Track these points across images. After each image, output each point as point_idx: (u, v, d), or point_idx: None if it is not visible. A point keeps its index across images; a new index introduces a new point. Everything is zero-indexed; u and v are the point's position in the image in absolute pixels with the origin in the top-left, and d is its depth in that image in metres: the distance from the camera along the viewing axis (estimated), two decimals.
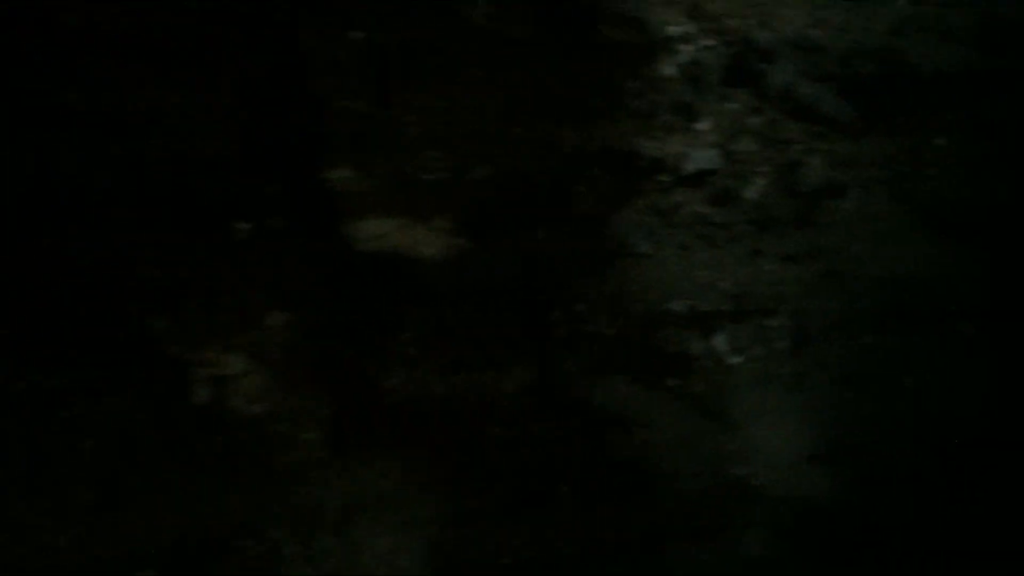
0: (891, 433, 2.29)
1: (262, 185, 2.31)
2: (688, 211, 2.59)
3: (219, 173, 2.37)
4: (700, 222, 2.60)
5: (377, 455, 1.94)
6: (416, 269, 2.35)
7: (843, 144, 2.72)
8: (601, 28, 2.61)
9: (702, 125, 2.63)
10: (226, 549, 1.78)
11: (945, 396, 2.35)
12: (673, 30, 2.73)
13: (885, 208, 2.66)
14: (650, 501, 2.19)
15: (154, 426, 1.95)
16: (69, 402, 1.98)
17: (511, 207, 2.51)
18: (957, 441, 2.27)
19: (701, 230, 2.60)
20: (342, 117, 2.55)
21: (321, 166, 2.43)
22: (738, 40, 2.77)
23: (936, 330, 2.46)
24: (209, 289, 2.21)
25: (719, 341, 2.43)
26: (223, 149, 2.40)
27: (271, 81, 2.46)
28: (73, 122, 2.45)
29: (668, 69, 2.66)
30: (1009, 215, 2.58)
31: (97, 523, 1.79)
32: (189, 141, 2.48)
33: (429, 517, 1.88)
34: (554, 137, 2.56)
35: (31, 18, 2.62)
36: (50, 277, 2.20)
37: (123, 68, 2.58)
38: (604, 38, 2.61)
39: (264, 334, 2.08)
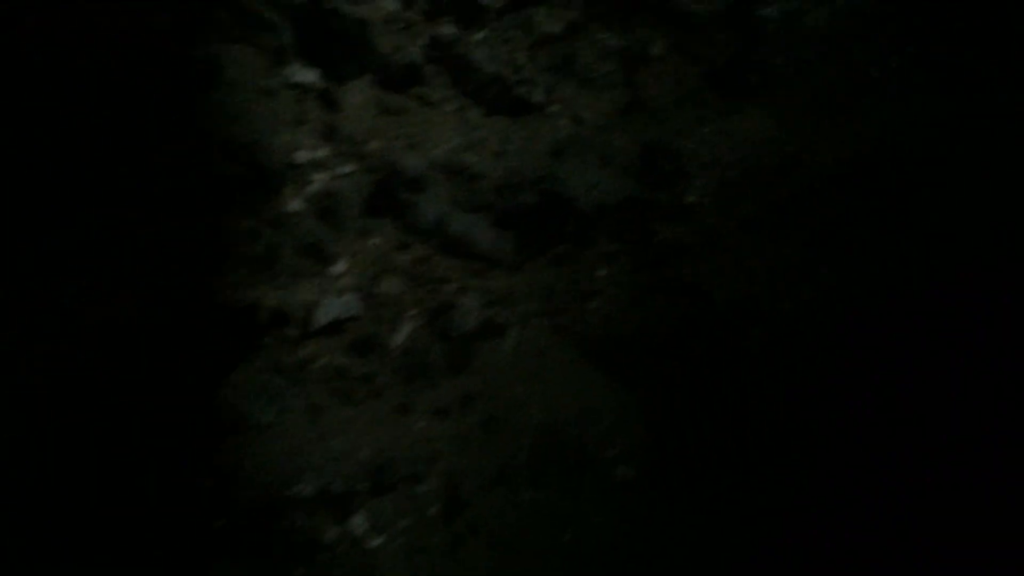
0: None
1: None
2: (322, 365, 2.32)
3: None
4: (337, 376, 2.33)
5: None
6: None
7: (501, 279, 2.57)
8: (210, 157, 2.24)
9: (338, 267, 2.35)
10: None
11: (602, 548, 2.25)
12: (302, 156, 2.43)
13: (546, 344, 2.54)
14: None
15: None
16: None
17: (82, 383, 2.08)
18: None
19: (338, 385, 2.33)
20: None
21: None
22: (382, 166, 2.53)
23: (595, 477, 2.36)
24: None
25: (357, 522, 2.16)
26: None
27: None
28: None
29: (295, 204, 2.35)
30: (667, 349, 2.51)
31: None
32: None
33: None
34: (144, 294, 2.16)
35: None
36: None
37: None
38: (213, 169, 2.25)
39: None
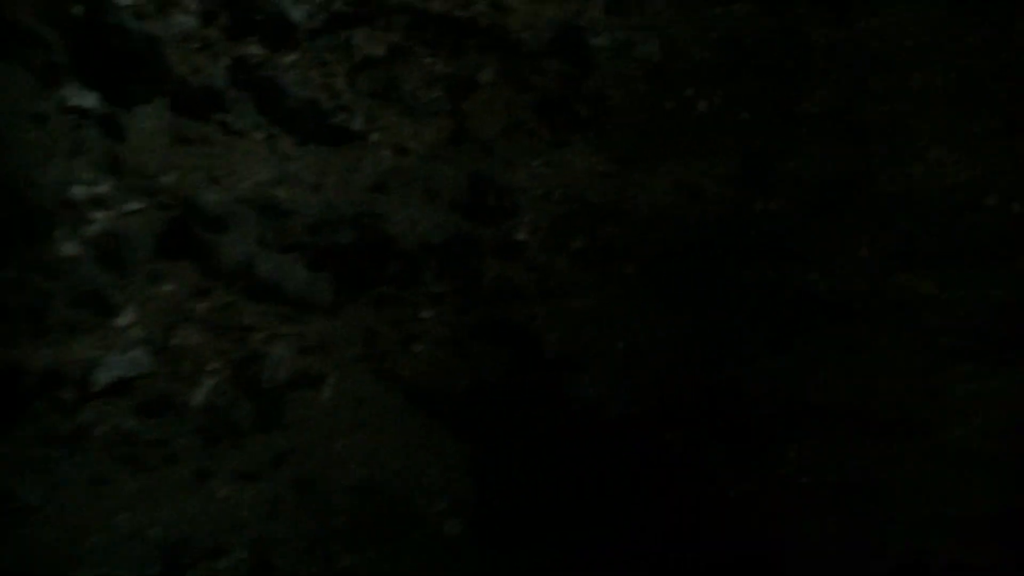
0: None
1: None
2: (105, 431, 2.09)
3: None
4: (124, 443, 2.11)
5: None
6: None
7: (316, 325, 2.42)
8: None
9: (123, 319, 2.13)
10: None
11: None
12: (80, 192, 2.18)
13: (368, 393, 2.42)
14: None
15: None
16: None
17: None
18: None
19: (125, 453, 2.10)
20: None
21: None
22: (178, 202, 2.33)
23: (422, 534, 2.25)
24: None
25: None
26: None
27: None
28: None
29: (70, 247, 2.10)
30: (495, 395, 2.44)
31: None
32: None
33: None
34: None
35: None
36: None
37: None
38: None
39: None
